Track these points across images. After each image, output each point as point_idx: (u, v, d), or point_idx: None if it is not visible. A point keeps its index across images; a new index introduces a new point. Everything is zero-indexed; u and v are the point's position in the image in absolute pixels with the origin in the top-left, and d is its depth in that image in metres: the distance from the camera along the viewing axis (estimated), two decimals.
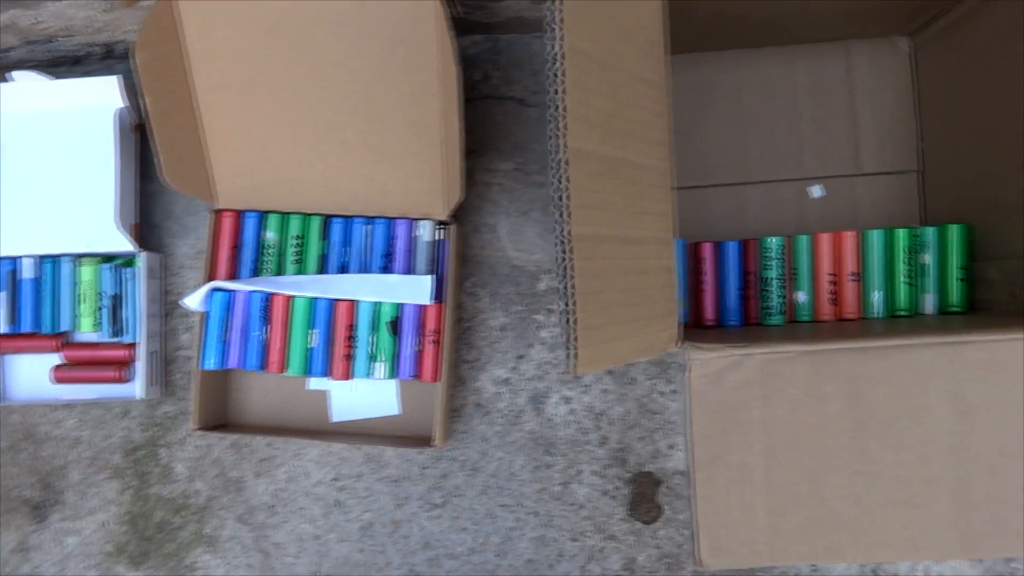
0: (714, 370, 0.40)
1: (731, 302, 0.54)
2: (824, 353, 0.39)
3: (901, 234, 0.52)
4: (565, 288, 0.31)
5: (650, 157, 0.38)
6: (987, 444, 0.38)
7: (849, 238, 0.52)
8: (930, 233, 0.53)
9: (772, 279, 0.53)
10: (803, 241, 0.54)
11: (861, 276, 0.53)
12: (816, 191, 0.62)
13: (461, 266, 0.63)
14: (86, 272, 0.61)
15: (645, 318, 0.37)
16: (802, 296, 0.54)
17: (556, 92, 0.31)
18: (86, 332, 0.62)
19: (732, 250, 0.54)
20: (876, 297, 0.52)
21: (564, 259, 0.31)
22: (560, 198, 0.31)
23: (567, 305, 0.31)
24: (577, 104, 0.32)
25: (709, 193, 0.62)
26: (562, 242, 0.31)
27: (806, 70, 0.62)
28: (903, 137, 0.61)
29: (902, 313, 0.52)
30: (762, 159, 0.62)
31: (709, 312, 0.54)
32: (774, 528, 0.39)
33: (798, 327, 0.52)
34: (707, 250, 0.54)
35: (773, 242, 0.53)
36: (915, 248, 0.53)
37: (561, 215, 0.31)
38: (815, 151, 0.62)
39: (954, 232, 0.52)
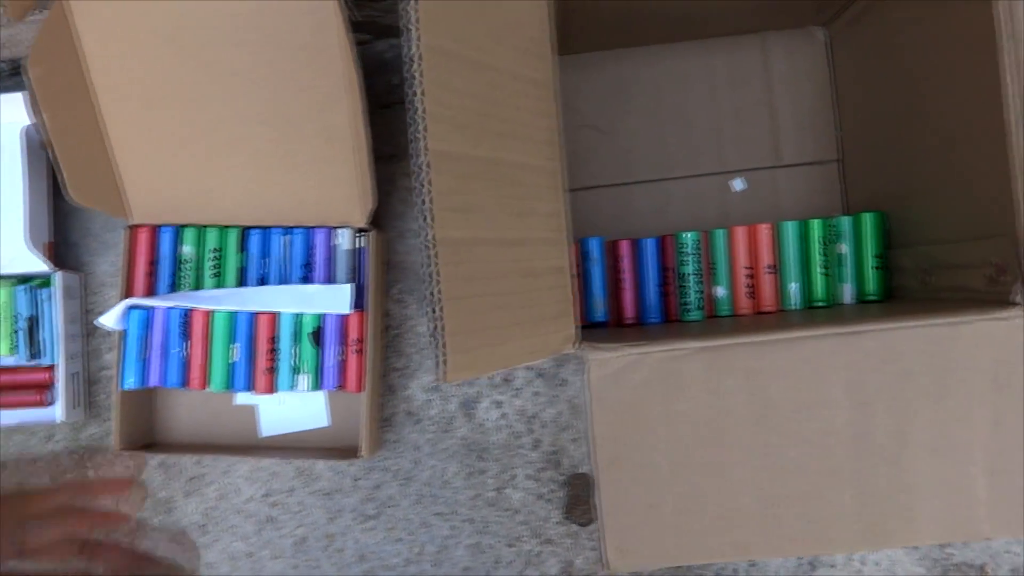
0: (613, 370, 0.39)
1: (651, 299, 0.54)
2: (721, 349, 0.39)
3: (815, 225, 0.52)
4: (432, 294, 0.30)
5: (536, 157, 0.37)
6: (888, 434, 0.38)
7: (764, 230, 0.52)
8: (845, 223, 0.53)
9: (689, 275, 0.52)
10: (719, 235, 0.53)
11: (778, 268, 0.53)
12: (738, 184, 0.61)
13: (386, 273, 0.62)
14: (0, 294, 0.60)
15: (533, 320, 0.36)
16: (720, 291, 0.54)
17: (415, 94, 0.30)
18: (3, 356, 0.60)
19: (650, 247, 0.54)
20: (793, 289, 0.52)
21: (430, 264, 0.30)
22: (423, 202, 0.30)
23: (434, 311, 0.30)
24: (439, 106, 0.31)
25: (632, 190, 0.62)
26: (427, 247, 0.30)
27: (724, 64, 0.61)
28: (822, 127, 0.61)
29: (820, 304, 0.52)
30: (683, 154, 0.62)
31: (629, 311, 0.54)
32: (681, 527, 0.39)
33: (716, 322, 0.51)
34: (625, 248, 0.54)
35: (688, 238, 0.52)
36: (831, 238, 0.53)
37: (425, 220, 0.30)
38: (735, 144, 0.61)
39: (868, 221, 0.52)
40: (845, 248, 0.53)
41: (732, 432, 0.39)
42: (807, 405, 0.38)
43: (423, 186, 0.31)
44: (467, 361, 0.32)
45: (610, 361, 0.39)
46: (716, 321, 0.51)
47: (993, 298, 0.40)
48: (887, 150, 0.53)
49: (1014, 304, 0.38)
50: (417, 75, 0.30)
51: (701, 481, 0.39)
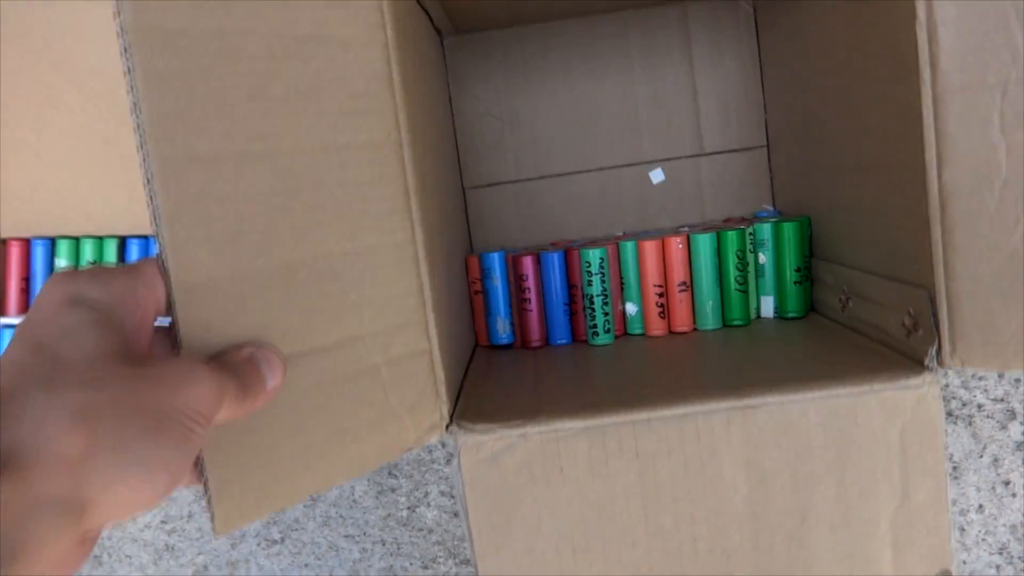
0: (488, 454, 0.35)
1: (558, 320, 0.50)
2: (606, 428, 0.35)
3: (731, 237, 0.47)
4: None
5: (369, 236, 0.32)
6: (786, 511, 0.35)
7: (676, 245, 0.47)
8: (765, 231, 0.48)
9: (595, 296, 0.48)
10: (628, 249, 0.49)
11: (691, 286, 0.48)
12: (657, 175, 0.56)
13: None
14: None
15: (369, 423, 0.32)
16: (631, 308, 0.49)
17: (154, 219, 0.25)
18: None
19: (554, 263, 0.49)
20: (709, 307, 0.48)
21: None
22: (178, 340, 0.26)
23: (199, 461, 0.26)
24: (187, 229, 0.26)
25: (539, 187, 0.57)
26: None
27: (640, 39, 0.55)
28: (748, 110, 0.55)
29: (737, 323, 0.48)
30: (595, 144, 0.56)
31: (535, 332, 0.50)
32: None
33: (626, 344, 0.47)
34: (528, 265, 0.49)
35: (593, 256, 0.47)
36: (748, 250, 0.48)
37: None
38: (654, 131, 0.56)
39: (788, 232, 0.47)
40: (764, 258, 0.49)
41: (621, 515, 0.36)
42: (701, 485, 0.35)
43: (175, 325, 0.26)
44: (248, 505, 0.28)
45: (484, 445, 0.35)
46: (625, 346, 0.47)
47: (908, 351, 0.36)
48: (812, 148, 0.47)
49: (926, 368, 0.34)
50: (154, 198, 0.25)
51: (590, 567, 0.36)
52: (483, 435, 0.35)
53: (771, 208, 0.56)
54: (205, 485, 0.27)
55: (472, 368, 0.46)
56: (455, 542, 0.57)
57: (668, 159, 0.56)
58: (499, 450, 0.35)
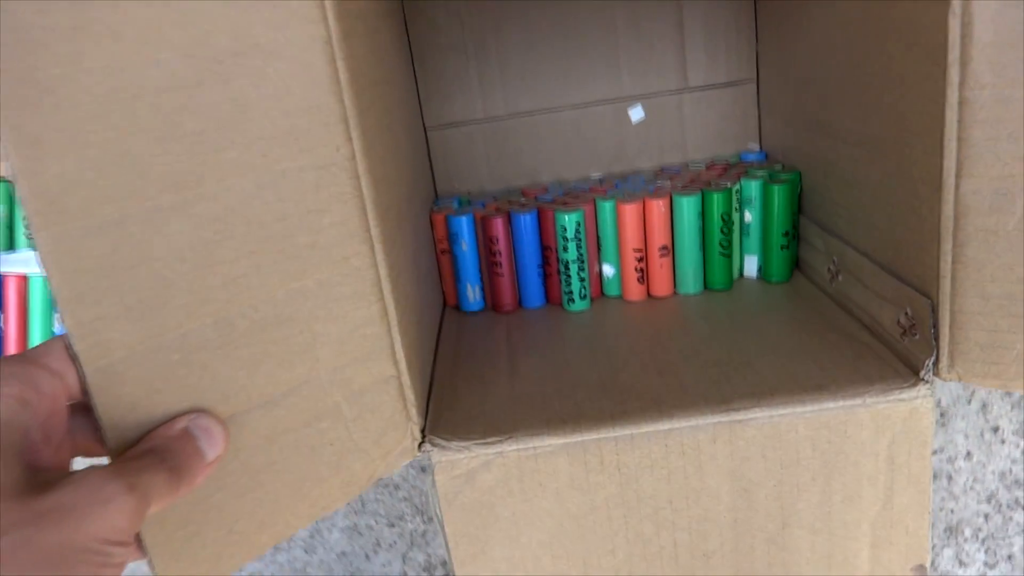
0: (464, 471, 0.34)
1: (531, 284, 0.47)
2: (587, 444, 0.33)
3: (716, 200, 0.44)
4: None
5: (326, 267, 0.28)
6: (768, 516, 0.35)
7: (657, 208, 0.44)
8: (753, 189, 0.45)
9: (571, 262, 0.45)
10: (607, 211, 0.45)
11: (673, 249, 0.45)
12: (636, 113, 0.52)
13: None
14: None
15: (333, 463, 0.30)
16: (609, 269, 0.47)
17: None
18: None
19: (527, 226, 0.45)
20: (691, 271, 0.45)
21: None
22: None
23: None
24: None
25: (509, 126, 0.52)
26: None
27: None
28: (738, 41, 0.50)
29: (718, 288, 0.46)
30: (571, 78, 0.51)
31: (507, 298, 0.47)
32: None
33: (603, 312, 0.45)
34: (499, 227, 0.45)
35: (569, 221, 0.44)
36: (733, 208, 0.45)
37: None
38: (634, 64, 0.51)
39: (777, 195, 0.44)
40: (751, 217, 0.46)
41: (601, 524, 0.35)
42: (683, 495, 0.34)
43: (95, 411, 0.23)
44: (200, 573, 0.26)
45: (460, 463, 0.33)
46: (602, 315, 0.45)
47: (901, 352, 0.35)
48: (809, 99, 0.43)
49: (921, 380, 0.33)
50: (51, 280, 0.21)
51: (569, 571, 0.36)
52: (458, 453, 0.33)
53: (757, 148, 0.53)
54: (149, 564, 0.25)
55: (442, 343, 0.44)
56: (422, 498, 0.57)
57: (649, 95, 0.51)
58: (475, 467, 0.34)
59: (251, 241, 0.26)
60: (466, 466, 0.34)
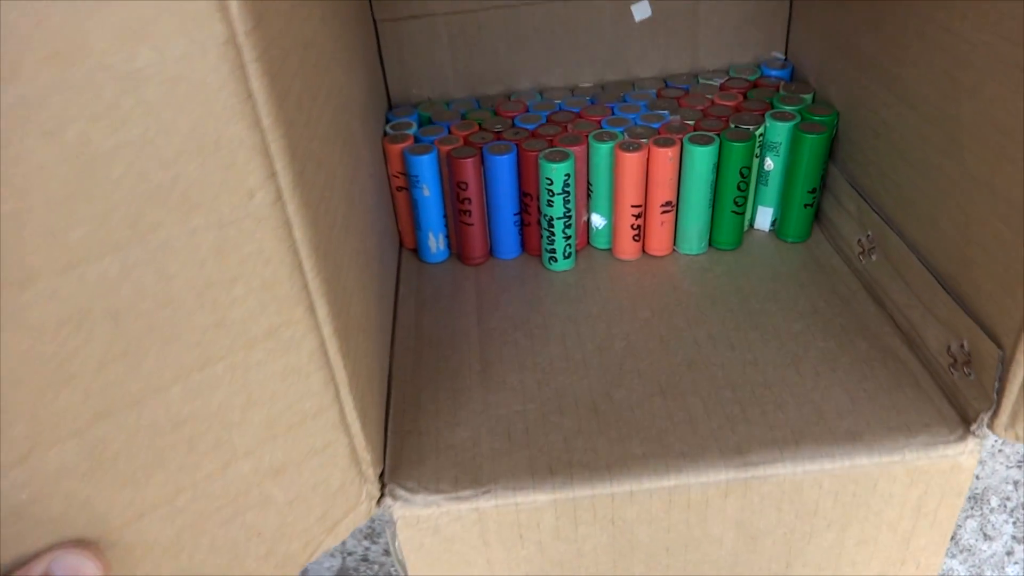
0: (433, 524, 0.28)
1: (505, 234, 0.39)
2: (576, 499, 0.28)
3: (736, 152, 0.36)
4: None
5: (240, 347, 0.21)
6: (773, 558, 0.31)
7: (664, 159, 0.36)
8: (780, 132, 0.37)
9: (555, 219, 0.37)
10: (602, 153, 0.37)
11: (677, 204, 0.38)
12: (641, 9, 0.41)
13: None
14: None
15: (264, 554, 0.25)
16: (599, 220, 0.39)
17: None
18: None
19: (503, 169, 0.37)
20: (695, 231, 0.38)
21: None
22: None
23: None
24: None
25: (483, 19, 0.41)
26: None
27: None
28: None
29: (724, 248, 0.39)
30: None
31: (477, 249, 0.39)
32: None
33: (588, 274, 0.38)
34: (469, 170, 0.37)
35: (556, 172, 0.36)
36: (754, 154, 0.37)
37: None
38: None
39: (808, 146, 0.36)
40: (772, 164, 0.38)
41: (588, 571, 0.31)
42: (682, 543, 0.30)
43: None
44: None
45: (427, 517, 0.28)
46: (586, 279, 0.38)
47: (945, 382, 0.30)
48: (871, 31, 0.34)
49: (971, 434, 0.28)
50: None
51: None
52: (425, 508, 0.28)
53: (782, 57, 0.43)
54: None
55: (401, 310, 0.37)
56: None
57: None
58: (445, 522, 0.28)
59: (121, 339, 0.18)
60: (435, 521, 0.28)
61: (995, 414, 0.27)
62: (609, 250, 0.40)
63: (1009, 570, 0.38)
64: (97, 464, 0.19)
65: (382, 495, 0.28)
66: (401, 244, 0.42)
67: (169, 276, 0.19)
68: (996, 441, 0.44)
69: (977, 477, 0.43)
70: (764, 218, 0.40)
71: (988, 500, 0.37)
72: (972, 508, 0.37)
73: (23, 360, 0.17)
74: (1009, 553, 0.37)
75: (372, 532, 0.49)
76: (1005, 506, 0.37)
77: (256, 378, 0.22)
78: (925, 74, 0.29)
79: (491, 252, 0.40)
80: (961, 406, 0.29)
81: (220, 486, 0.22)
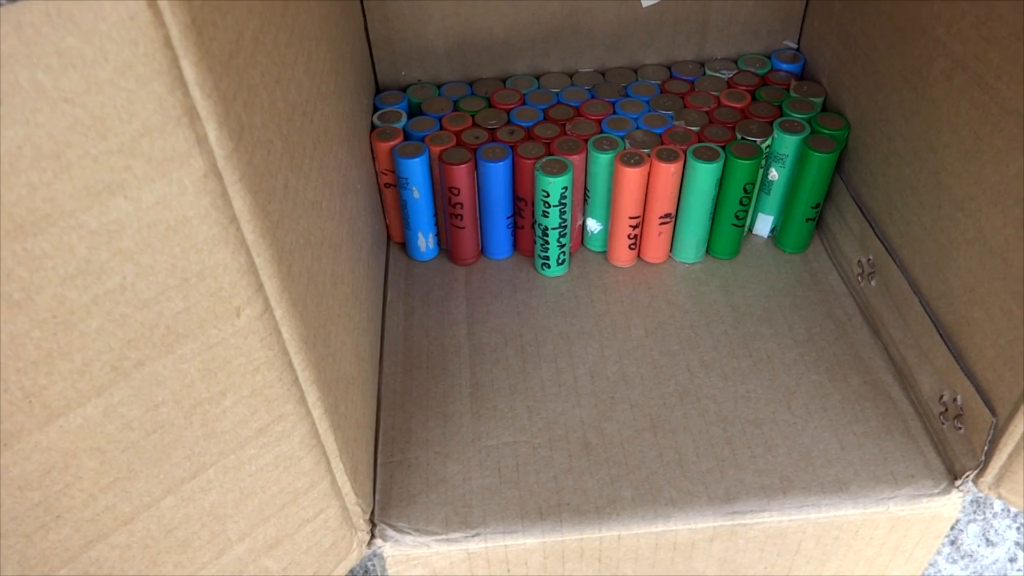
0: (421, 563, 0.29)
1: (498, 236, 0.38)
2: (565, 542, 0.29)
3: (743, 168, 0.34)
4: None
5: (233, 455, 0.20)
6: None
7: (667, 174, 0.34)
8: (787, 145, 0.35)
9: (551, 229, 0.36)
10: (602, 163, 0.35)
11: (676, 216, 0.37)
12: None
13: None
14: None
15: None
16: (595, 225, 0.38)
17: None
18: None
19: (498, 176, 0.35)
20: (693, 241, 0.37)
21: None
22: None
23: None
24: None
25: (479, 6, 0.38)
26: None
27: None
28: None
29: (721, 257, 0.38)
30: None
31: (468, 251, 0.38)
32: None
33: (582, 283, 0.37)
34: (463, 177, 0.35)
35: (553, 186, 0.34)
36: (757, 180, 0.36)
37: None
38: None
39: (816, 163, 0.35)
40: (776, 175, 0.37)
41: None
42: None
43: None
44: None
45: (417, 558, 0.29)
46: (579, 290, 0.37)
47: (936, 432, 0.30)
48: (887, 42, 0.32)
49: (955, 488, 0.28)
50: None
51: None
52: (415, 549, 0.28)
53: (794, 47, 0.41)
54: None
55: (388, 329, 0.36)
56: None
57: None
58: (435, 561, 0.29)
59: (110, 471, 0.18)
60: (424, 561, 0.29)
61: (981, 473, 0.28)
62: (603, 253, 0.39)
63: None
64: None
65: (372, 536, 0.28)
66: (389, 239, 0.41)
67: (156, 404, 0.18)
68: None
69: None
70: (764, 225, 0.39)
71: (991, 504, 0.37)
72: (975, 512, 0.37)
73: (9, 513, 0.16)
74: (1012, 560, 0.38)
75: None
76: (1009, 510, 0.37)
77: (248, 472, 0.21)
78: (949, 121, 0.28)
79: (482, 251, 0.39)
80: (948, 458, 0.29)
81: (215, 569, 0.22)
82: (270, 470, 0.22)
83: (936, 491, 0.28)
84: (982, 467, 0.27)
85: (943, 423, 0.29)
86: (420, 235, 0.38)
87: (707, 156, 0.34)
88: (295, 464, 0.22)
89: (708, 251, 0.38)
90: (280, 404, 0.21)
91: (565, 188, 0.34)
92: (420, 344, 0.35)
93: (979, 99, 0.26)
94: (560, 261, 0.38)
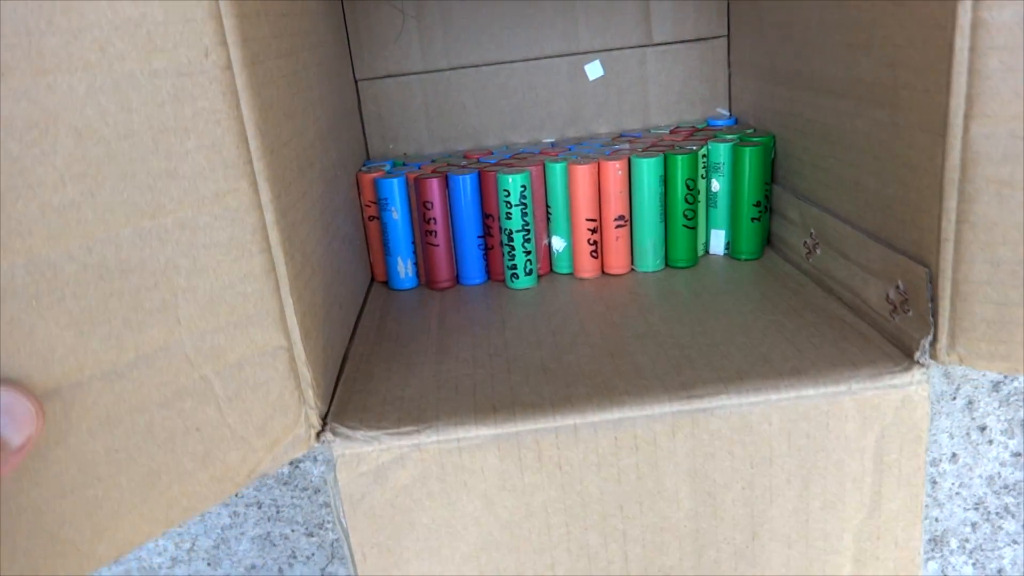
0: (374, 467, 0.28)
1: (470, 257, 0.41)
2: (522, 435, 0.28)
3: (680, 163, 0.39)
4: None
5: (189, 203, 0.22)
6: (736, 526, 0.29)
7: (614, 171, 0.39)
8: (721, 153, 0.40)
9: (514, 231, 0.39)
10: (557, 174, 0.40)
11: (631, 220, 0.40)
12: (594, 70, 0.46)
13: None
14: None
15: (201, 455, 0.24)
16: (559, 243, 0.41)
17: None
18: None
19: (466, 189, 0.40)
20: (650, 245, 0.40)
21: None
22: None
23: None
24: None
25: (453, 79, 0.46)
26: None
27: None
28: None
29: (681, 266, 0.41)
30: (523, 29, 0.45)
31: (443, 273, 0.41)
32: None
33: (551, 288, 0.39)
34: (434, 190, 0.40)
35: (513, 183, 0.38)
36: (699, 175, 0.40)
37: None
38: (593, 15, 0.45)
39: (748, 159, 0.39)
40: (718, 186, 0.41)
41: (538, 533, 0.29)
42: (636, 499, 0.29)
43: None
44: None
45: (368, 456, 0.28)
46: (549, 291, 0.40)
47: (890, 331, 0.30)
48: (784, 47, 0.38)
49: (916, 363, 0.28)
50: None
51: None
52: (366, 445, 0.27)
53: (726, 114, 0.48)
54: None
55: (364, 320, 0.38)
56: None
57: (609, 50, 0.46)
58: (386, 463, 0.28)
59: (81, 160, 0.20)
60: (375, 461, 0.28)
61: (934, 340, 0.27)
62: (571, 274, 0.42)
63: None
64: (45, 291, 0.20)
65: (323, 430, 0.28)
66: (372, 278, 0.44)
67: (130, 109, 0.21)
68: (954, 483, 0.42)
69: (936, 519, 0.42)
70: (718, 241, 0.42)
71: (948, 542, 0.36)
72: (933, 550, 0.36)
73: None
74: None
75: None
76: (964, 547, 0.36)
77: (202, 241, 0.23)
78: (830, 57, 0.33)
79: (458, 279, 0.42)
80: (907, 346, 0.29)
81: (163, 358, 0.23)
82: (222, 252, 0.23)
83: (897, 369, 0.28)
84: (933, 331, 0.27)
85: (894, 318, 0.30)
86: (399, 261, 0.41)
87: (648, 155, 0.39)
88: (246, 258, 0.24)
89: (667, 263, 0.41)
90: (236, 177, 0.23)
91: (524, 187, 0.39)
92: (392, 328, 0.37)
93: (857, 40, 0.31)
94: (528, 271, 0.40)
